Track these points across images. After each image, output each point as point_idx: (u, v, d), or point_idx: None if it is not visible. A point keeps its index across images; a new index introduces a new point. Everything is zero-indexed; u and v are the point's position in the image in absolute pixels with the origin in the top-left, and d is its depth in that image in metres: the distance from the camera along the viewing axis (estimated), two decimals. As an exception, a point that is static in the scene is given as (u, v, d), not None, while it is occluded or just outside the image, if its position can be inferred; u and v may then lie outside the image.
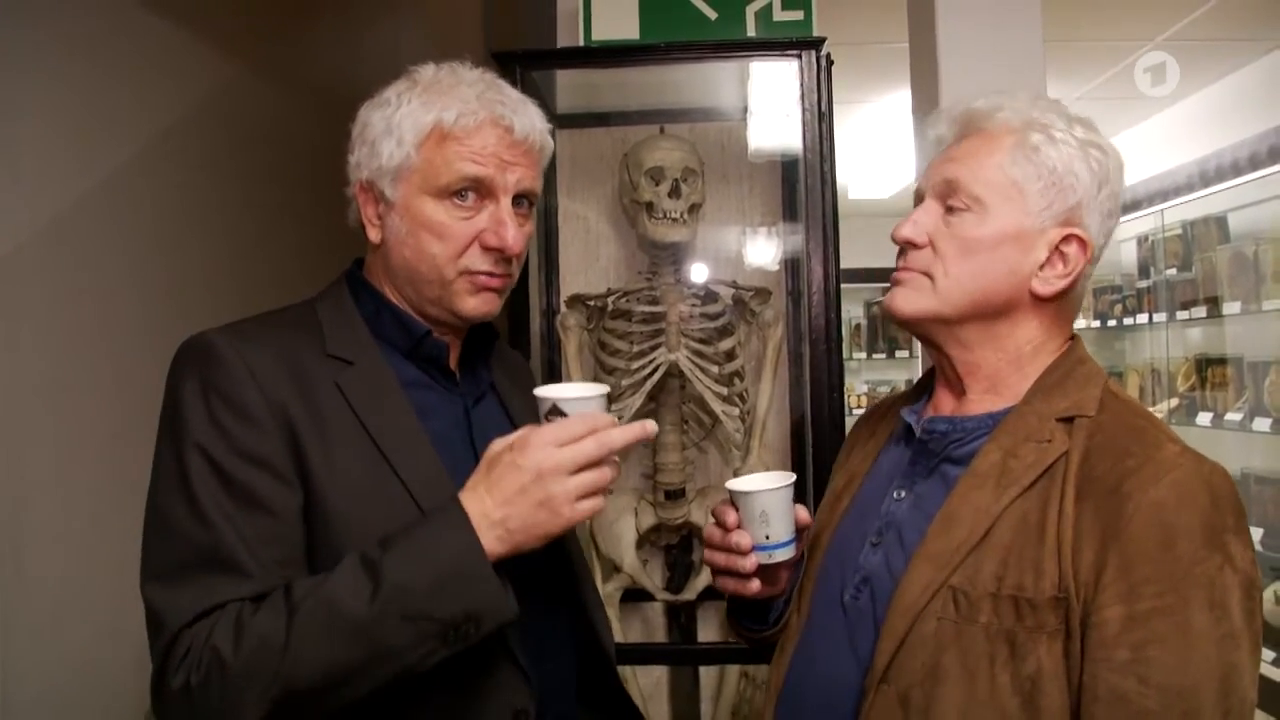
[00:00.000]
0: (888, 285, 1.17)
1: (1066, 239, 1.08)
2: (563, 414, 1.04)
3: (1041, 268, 1.09)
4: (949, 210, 1.10)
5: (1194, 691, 0.92)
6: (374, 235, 1.16)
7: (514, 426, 1.25)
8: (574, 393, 1.06)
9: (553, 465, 0.99)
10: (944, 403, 1.17)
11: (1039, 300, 1.10)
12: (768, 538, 1.14)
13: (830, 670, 1.11)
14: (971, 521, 1.04)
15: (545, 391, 1.06)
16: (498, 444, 1.04)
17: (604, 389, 1.08)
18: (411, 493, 1.08)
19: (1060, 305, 1.12)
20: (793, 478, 1.16)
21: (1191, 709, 0.91)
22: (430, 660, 0.98)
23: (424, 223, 1.12)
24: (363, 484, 1.06)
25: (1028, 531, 1.01)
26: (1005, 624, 0.99)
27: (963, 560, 1.02)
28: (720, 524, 1.17)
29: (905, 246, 1.13)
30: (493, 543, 0.99)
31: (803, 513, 1.18)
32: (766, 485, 1.15)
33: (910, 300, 1.11)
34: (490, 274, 1.15)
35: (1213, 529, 0.95)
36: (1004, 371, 1.12)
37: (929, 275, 1.10)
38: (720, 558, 1.17)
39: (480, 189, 1.13)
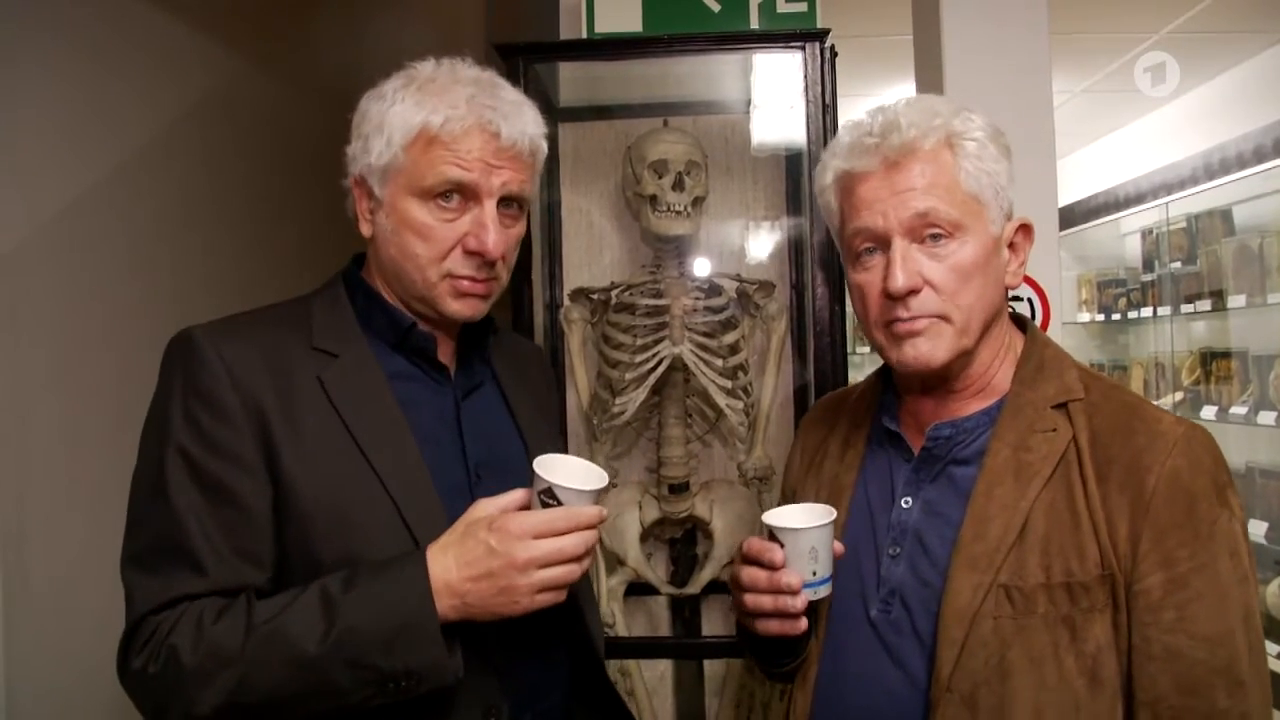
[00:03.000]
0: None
1: (1021, 229, 1.15)
2: (556, 501, 1.02)
3: (1009, 263, 1.15)
4: (924, 242, 1.08)
5: (1231, 635, 1.01)
6: (365, 229, 1.18)
7: (513, 418, 1.28)
8: (574, 480, 1.04)
9: (525, 559, 1.00)
10: (924, 407, 1.17)
11: (1004, 294, 1.16)
12: (814, 574, 1.08)
13: (874, 688, 1.10)
14: (1004, 519, 1.06)
15: (545, 471, 1.04)
16: (481, 509, 1.05)
17: (605, 480, 1.08)
18: (385, 485, 1.09)
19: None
20: (834, 512, 1.10)
21: (1233, 651, 1.01)
22: (370, 703, 1.01)
23: (408, 223, 1.14)
24: (336, 477, 1.09)
25: (1060, 519, 1.05)
26: (1062, 610, 1.03)
27: (1005, 558, 1.05)
28: (765, 564, 1.10)
29: (906, 296, 1.08)
30: (447, 610, 1.02)
31: (839, 545, 1.13)
32: (814, 520, 1.09)
33: (939, 347, 1.09)
34: (472, 279, 1.16)
35: (1218, 486, 1.04)
36: (992, 367, 1.15)
37: (943, 317, 1.09)
38: (768, 601, 1.10)
39: (464, 192, 1.13)
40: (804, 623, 1.11)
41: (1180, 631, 1.01)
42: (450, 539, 1.04)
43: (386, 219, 1.15)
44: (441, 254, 1.14)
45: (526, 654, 1.17)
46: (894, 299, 1.08)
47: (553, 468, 1.06)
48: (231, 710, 1.00)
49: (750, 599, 1.12)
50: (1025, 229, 1.15)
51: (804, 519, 1.10)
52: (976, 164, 1.09)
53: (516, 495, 1.06)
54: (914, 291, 1.08)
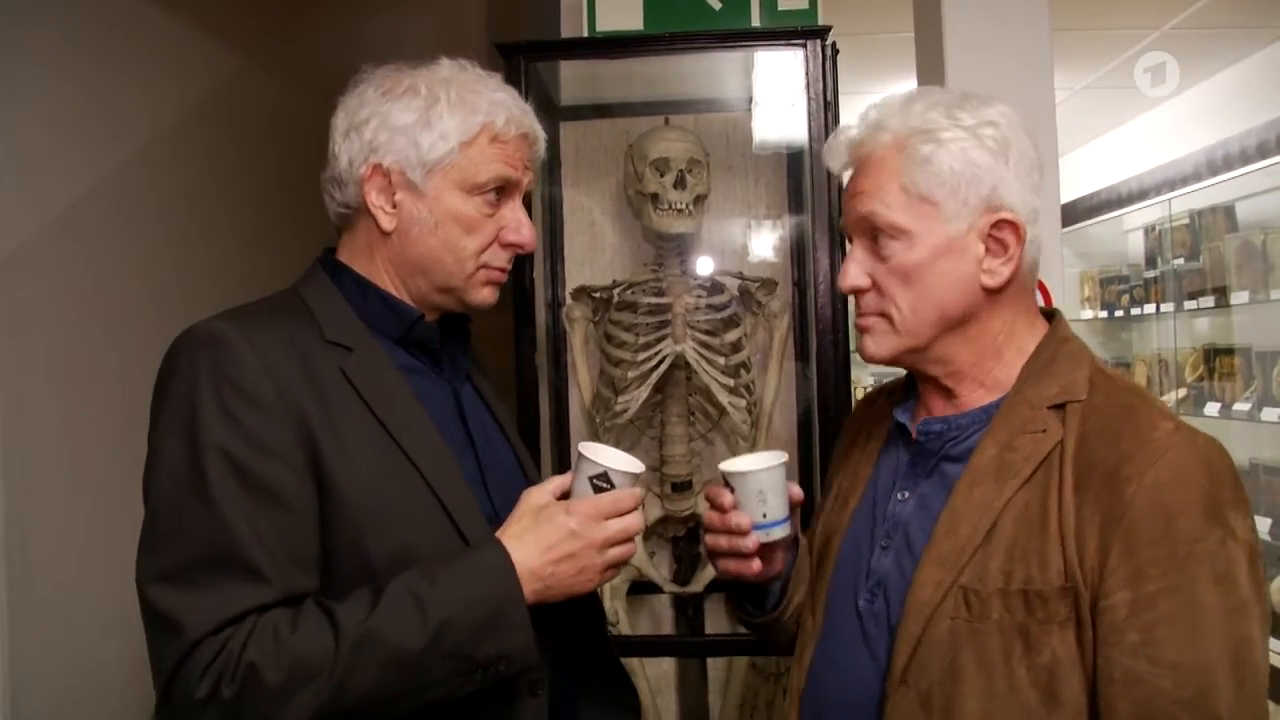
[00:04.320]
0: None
1: (996, 224, 1.07)
2: (610, 484, 1.10)
3: (983, 261, 1.08)
4: (877, 243, 1.10)
5: (1206, 667, 0.93)
6: (387, 223, 1.17)
7: (491, 413, 1.30)
8: (624, 464, 1.12)
9: (602, 539, 1.08)
10: (934, 402, 1.17)
11: (994, 292, 1.09)
12: (765, 516, 1.14)
13: (850, 675, 1.11)
14: (975, 519, 1.04)
15: (597, 456, 1.11)
16: (540, 495, 1.11)
17: (641, 465, 1.15)
18: (426, 478, 1.09)
19: (1016, 284, 1.11)
20: (784, 456, 1.16)
21: (1206, 685, 0.93)
22: (458, 693, 1.02)
23: (456, 216, 1.16)
24: (377, 472, 1.07)
25: (1030, 524, 1.01)
26: (1017, 618, 0.99)
27: (970, 559, 1.03)
28: (716, 506, 1.17)
29: (853, 294, 1.13)
30: (529, 594, 1.05)
31: (796, 490, 1.18)
32: (761, 464, 1.15)
33: (878, 344, 1.12)
34: (502, 269, 1.21)
35: (1212, 504, 0.96)
36: (985, 364, 1.12)
37: (884, 315, 1.11)
38: (723, 541, 1.17)
39: (505, 189, 1.18)
40: (757, 564, 1.16)
41: (1143, 656, 0.94)
42: (521, 527, 1.08)
43: (429, 212, 1.16)
44: (483, 246, 1.18)
45: (556, 630, 1.19)
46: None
47: (600, 453, 1.12)
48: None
49: (710, 539, 1.19)
50: (1004, 224, 1.07)
51: (751, 464, 1.15)
52: (928, 165, 1.06)
53: (561, 481, 1.12)
54: (860, 290, 1.12)
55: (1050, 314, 1.16)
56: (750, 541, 1.14)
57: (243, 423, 1.01)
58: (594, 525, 1.08)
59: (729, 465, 1.17)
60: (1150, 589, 0.94)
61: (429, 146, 1.13)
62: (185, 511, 0.99)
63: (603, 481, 1.10)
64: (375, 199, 1.16)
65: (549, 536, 1.07)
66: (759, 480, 1.14)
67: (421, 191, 1.15)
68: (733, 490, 1.15)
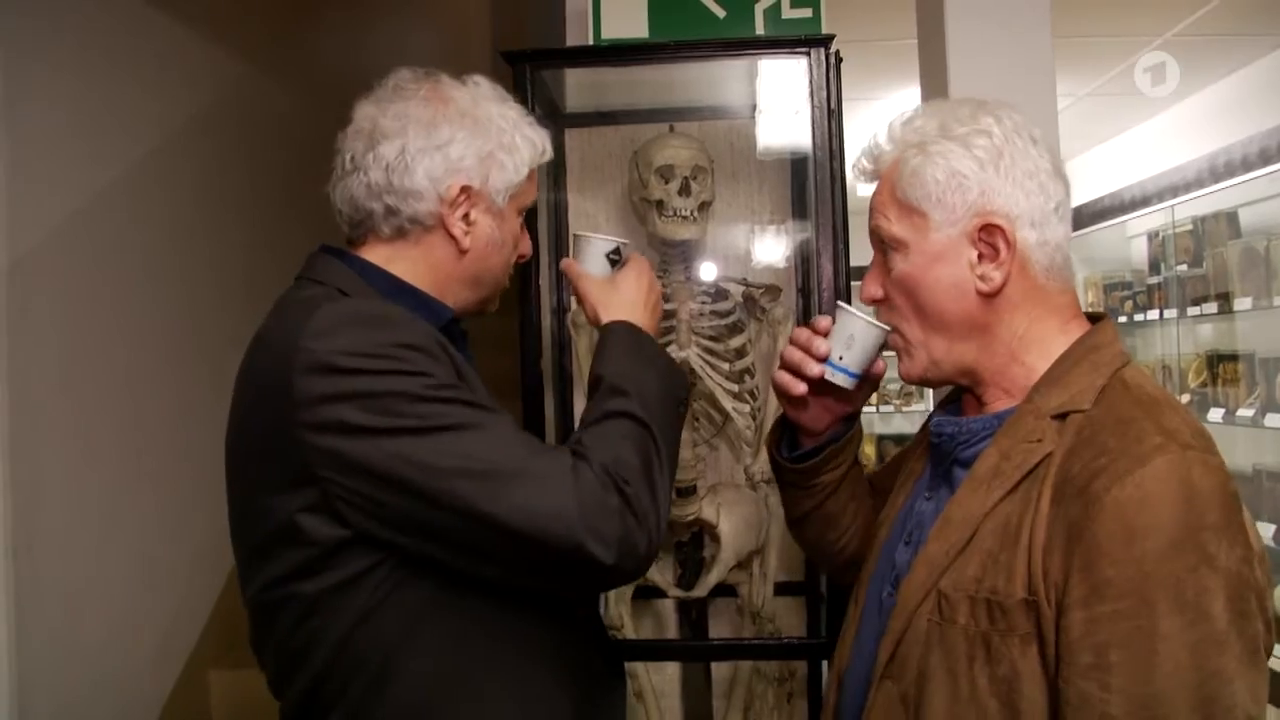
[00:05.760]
0: None
1: (984, 229, 1.07)
2: (620, 255, 1.37)
3: (976, 267, 1.08)
4: (886, 257, 1.14)
5: (1162, 699, 0.89)
6: (468, 241, 1.23)
7: None
8: (621, 239, 1.40)
9: (660, 290, 1.38)
10: (969, 407, 1.18)
11: (992, 297, 1.09)
12: (841, 359, 1.22)
13: (865, 662, 1.14)
14: (962, 524, 1.05)
15: (600, 237, 1.39)
16: (589, 280, 1.35)
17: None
18: None
19: (1025, 288, 1.09)
20: (890, 329, 1.21)
21: (1160, 717, 0.89)
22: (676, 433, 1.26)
23: (513, 234, 1.30)
24: None
25: (1006, 534, 1.01)
26: (981, 627, 1.00)
27: (951, 563, 1.04)
28: (811, 326, 1.26)
29: (873, 305, 1.20)
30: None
31: (881, 364, 1.25)
32: (869, 319, 1.23)
33: (905, 366, 1.17)
34: None
35: (1185, 528, 0.91)
36: (1009, 371, 1.11)
37: (899, 332, 1.16)
38: (796, 355, 1.25)
39: None
40: (803, 387, 1.25)
41: (1094, 679, 0.91)
42: (611, 301, 1.30)
43: (502, 232, 1.27)
44: (515, 259, 1.33)
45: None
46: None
47: (597, 237, 1.40)
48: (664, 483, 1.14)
49: (787, 351, 1.28)
50: (992, 229, 1.07)
51: (861, 312, 1.24)
52: (915, 177, 1.09)
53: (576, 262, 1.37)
54: (877, 301, 1.18)
55: (1097, 317, 1.14)
56: (816, 368, 1.23)
57: (450, 379, 1.09)
58: (649, 274, 1.35)
59: (843, 305, 1.27)
60: (1105, 609, 0.91)
61: (514, 170, 1.24)
62: (484, 440, 1.08)
63: (615, 255, 1.36)
64: (455, 218, 1.21)
65: (636, 294, 1.30)
66: (856, 326, 1.22)
67: (501, 213, 1.25)
68: (834, 323, 1.24)
